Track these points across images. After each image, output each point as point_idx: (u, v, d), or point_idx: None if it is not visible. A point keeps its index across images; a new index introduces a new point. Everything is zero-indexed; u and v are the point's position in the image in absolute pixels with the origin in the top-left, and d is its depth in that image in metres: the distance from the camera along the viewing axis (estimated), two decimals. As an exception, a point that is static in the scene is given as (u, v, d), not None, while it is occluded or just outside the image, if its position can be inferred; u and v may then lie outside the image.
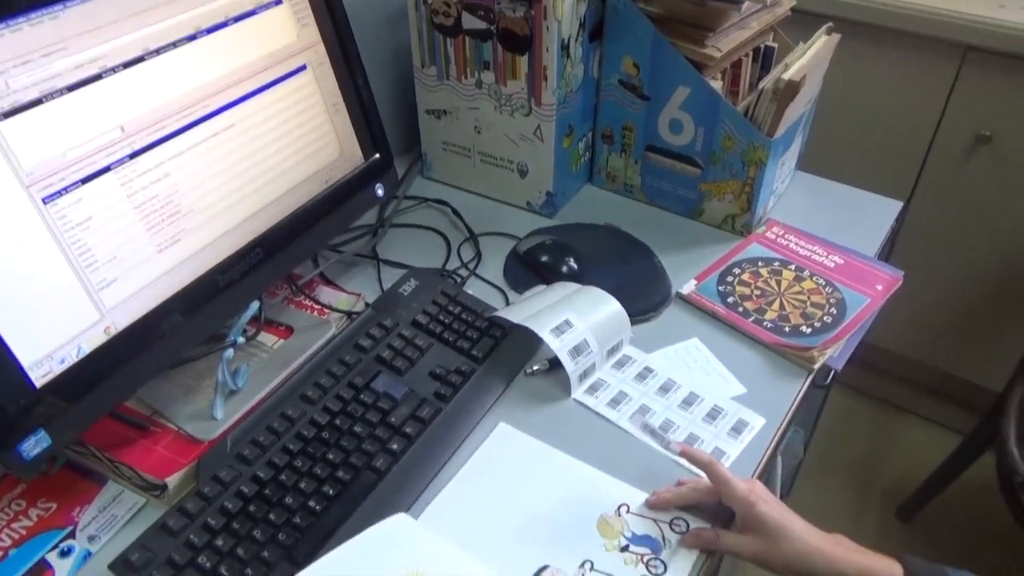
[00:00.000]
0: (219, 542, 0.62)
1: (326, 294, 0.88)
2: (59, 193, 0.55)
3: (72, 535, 0.66)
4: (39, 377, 0.56)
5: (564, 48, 0.91)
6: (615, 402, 0.79)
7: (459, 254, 0.99)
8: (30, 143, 0.53)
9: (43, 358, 0.56)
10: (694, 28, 0.91)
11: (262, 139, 0.70)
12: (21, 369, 0.54)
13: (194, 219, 0.65)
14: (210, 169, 0.65)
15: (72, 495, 0.70)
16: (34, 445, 0.56)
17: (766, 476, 1.13)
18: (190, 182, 0.64)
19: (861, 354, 1.67)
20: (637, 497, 0.69)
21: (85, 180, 0.56)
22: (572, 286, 0.88)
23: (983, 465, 1.40)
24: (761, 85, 0.91)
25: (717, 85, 0.94)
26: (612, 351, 0.83)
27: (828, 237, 0.99)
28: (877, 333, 1.64)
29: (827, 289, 0.92)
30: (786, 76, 0.87)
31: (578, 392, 0.80)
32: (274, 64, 0.70)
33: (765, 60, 1.02)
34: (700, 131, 0.96)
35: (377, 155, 0.83)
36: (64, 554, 0.65)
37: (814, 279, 0.93)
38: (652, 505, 0.68)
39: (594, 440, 0.75)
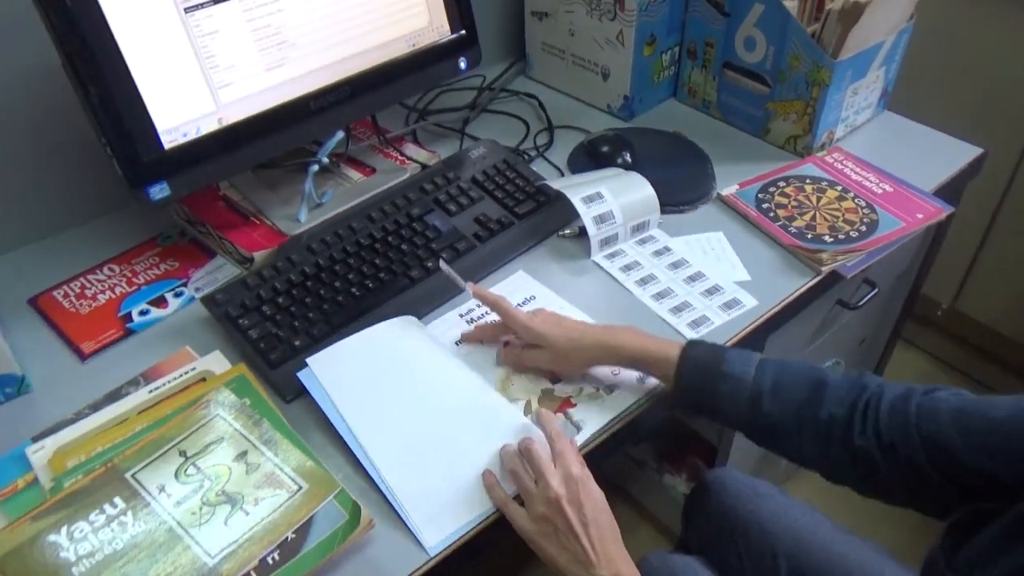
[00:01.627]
0: (279, 299, 0.81)
1: (410, 149, 1.04)
2: (197, 7, 0.74)
3: (185, 285, 0.88)
4: (167, 142, 0.76)
5: (649, -43, 1.00)
6: (627, 268, 0.90)
7: (535, 139, 1.12)
8: (181, -34, 0.72)
9: (171, 128, 0.76)
10: (775, -54, 0.97)
11: (362, -3, 0.86)
12: (156, 132, 0.75)
13: (296, 50, 0.82)
14: (315, 13, 0.83)
15: (190, 259, 0.92)
16: (158, 191, 0.76)
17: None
18: (297, 20, 0.81)
19: (947, 322, 1.62)
20: None
21: (216, 1, 0.75)
22: (617, 170, 0.99)
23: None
24: (830, 6, 0.95)
25: (792, 5, 0.99)
26: (637, 228, 0.93)
27: (893, 172, 1.02)
28: (971, 302, 1.58)
29: (865, 210, 0.96)
30: (853, -3, 0.91)
31: (597, 255, 0.91)
32: (382, -64, 0.86)
33: (855, -12, 1.05)
34: (771, 49, 1.02)
35: (463, 31, 0.97)
36: (177, 295, 0.87)
37: (855, 200, 0.97)
38: (465, 337, 0.80)
39: (602, 299, 0.86)
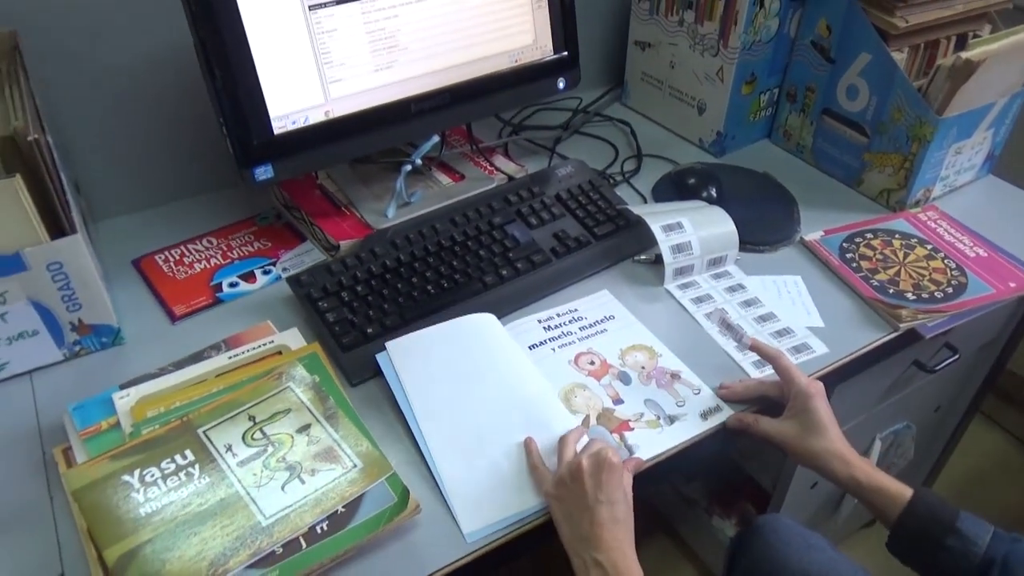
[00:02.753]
0: (358, 287, 0.85)
1: (500, 160, 1.07)
2: (320, 6, 0.79)
3: (274, 264, 0.93)
4: (277, 128, 0.81)
5: (759, -3, 1.01)
6: (699, 300, 0.90)
7: (622, 165, 1.13)
8: (311, -33, 0.78)
9: (282, 116, 0.81)
10: (889, -3, 0.96)
11: (472, 11, 0.90)
12: (268, 118, 0.80)
13: (406, 55, 0.87)
14: (427, 22, 0.87)
15: (281, 241, 0.97)
16: (263, 172, 0.81)
17: (863, 452, 1.15)
18: (411, 26, 0.86)
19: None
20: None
21: (339, 2, 0.80)
22: (701, 203, 0.99)
23: None
24: (940, 62, 0.93)
25: (900, 58, 0.97)
26: (714, 262, 0.93)
27: (990, 238, 0.98)
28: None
29: (954, 272, 0.93)
30: (965, 54, 0.89)
31: (671, 284, 0.92)
32: (498, -44, 0.90)
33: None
34: (873, 99, 1.00)
35: (565, 52, 1.00)
36: (265, 272, 0.92)
37: (945, 261, 0.95)
38: (722, 395, 0.77)
39: (671, 328, 0.86)
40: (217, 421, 0.68)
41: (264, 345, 0.79)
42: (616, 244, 0.96)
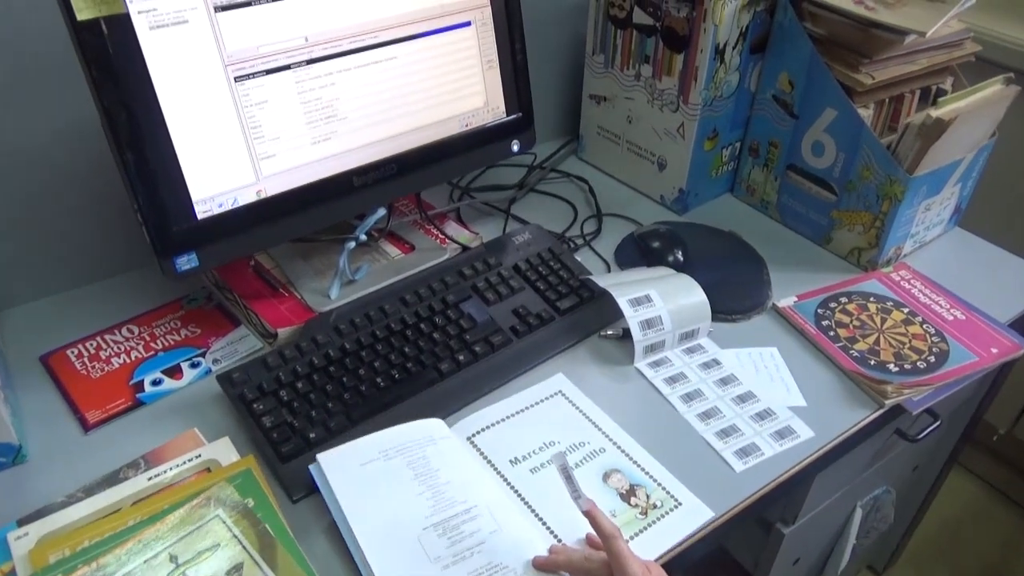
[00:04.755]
0: (299, 384, 0.76)
1: (452, 227, 1.00)
2: (248, 76, 0.71)
3: (203, 355, 0.84)
4: (201, 212, 0.72)
5: (719, 53, 0.96)
6: (672, 380, 0.83)
7: (582, 227, 1.07)
8: (235, 34, 0.70)
9: (207, 198, 0.72)
10: (853, 53, 0.92)
11: (417, 75, 0.83)
12: (190, 201, 0.71)
13: (346, 125, 0.79)
14: (368, 88, 0.79)
15: (212, 327, 0.87)
16: (186, 262, 0.72)
17: (844, 526, 1.10)
18: (350, 95, 0.78)
19: (1002, 447, 1.52)
20: None
21: (269, 72, 0.72)
22: (668, 271, 0.93)
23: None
24: (909, 119, 0.90)
25: (866, 114, 0.94)
26: (686, 336, 0.87)
27: (964, 296, 0.95)
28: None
29: (934, 338, 0.89)
30: (935, 113, 0.86)
31: (641, 362, 0.85)
32: (444, 15, 0.83)
33: (933, 100, 1.00)
34: (840, 156, 0.96)
35: (519, 114, 0.93)
36: (193, 366, 0.82)
37: (924, 326, 0.90)
38: (538, 565, 0.62)
39: (642, 411, 0.79)
40: (133, 565, 0.59)
41: (190, 461, 0.69)
42: (581, 319, 0.89)
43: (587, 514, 0.61)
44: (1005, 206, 1.28)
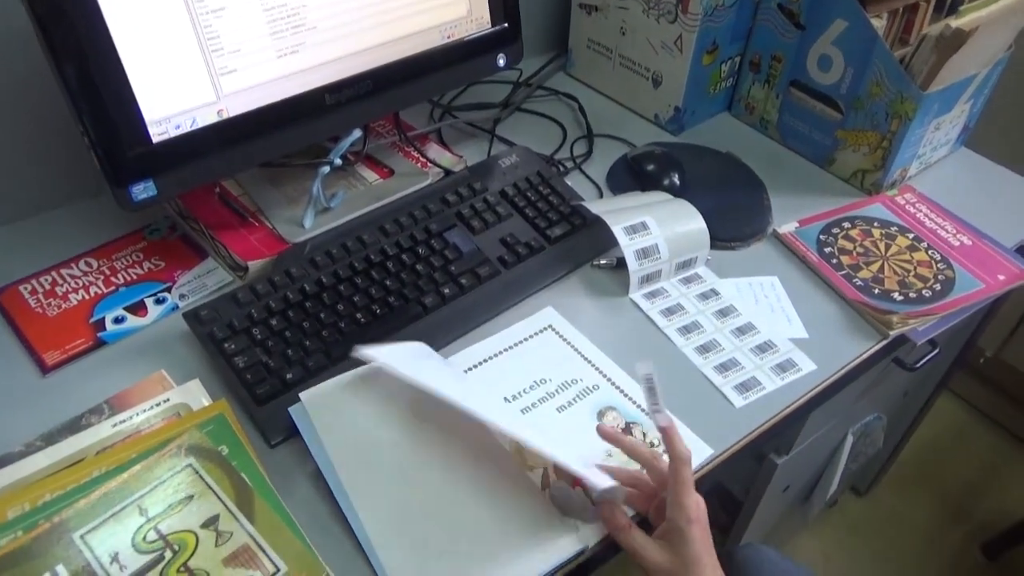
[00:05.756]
0: (273, 321, 0.71)
1: (433, 150, 0.93)
2: (201, -22, 0.63)
3: (168, 290, 0.78)
4: (156, 134, 0.65)
5: (722, -45, 0.88)
6: (669, 312, 0.79)
7: (572, 148, 1.01)
8: (186, -71, 0.61)
9: (162, 119, 0.65)
10: (868, -44, 0.85)
11: (394, -21, 0.75)
12: (143, 122, 0.64)
13: (315, 36, 0.71)
14: (339, -6, 0.71)
15: (178, 259, 0.81)
16: (142, 191, 0.66)
17: (834, 452, 1.09)
18: (318, 2, 0.70)
19: (994, 371, 1.53)
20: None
21: (225, -27, 0.64)
22: (664, 196, 0.88)
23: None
24: (925, 31, 0.83)
25: (879, 24, 0.87)
26: (683, 266, 0.83)
27: (970, 220, 0.91)
28: (1018, 352, 1.48)
29: (940, 264, 0.85)
30: (955, 23, 0.80)
31: (636, 293, 0.81)
32: (422, -89, 0.74)
33: (950, 10, 0.93)
34: (849, 71, 0.90)
35: (505, 24, 0.85)
36: (159, 302, 0.77)
37: (929, 252, 0.86)
38: (603, 433, 0.62)
39: (637, 344, 0.76)
40: (99, 520, 0.55)
41: (158, 406, 0.64)
42: (572, 247, 0.84)
43: (663, 430, 0.58)
44: (1013, 125, 1.23)
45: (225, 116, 0.69)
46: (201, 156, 0.68)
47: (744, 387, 0.72)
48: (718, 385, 0.72)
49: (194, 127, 0.67)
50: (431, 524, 0.58)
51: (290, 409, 0.64)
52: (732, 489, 1.08)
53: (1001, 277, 0.84)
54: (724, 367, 0.74)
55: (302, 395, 0.64)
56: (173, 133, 0.66)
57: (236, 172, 0.79)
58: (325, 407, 0.64)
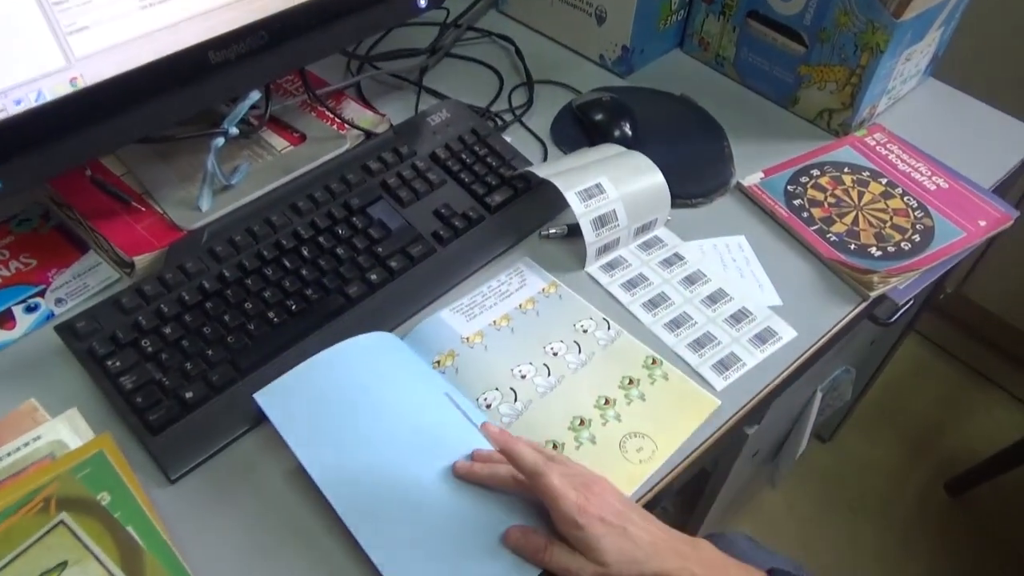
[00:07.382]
0: (166, 329, 0.59)
1: (351, 109, 0.81)
2: (24, -93, 0.49)
3: (42, 294, 0.66)
4: (-10, 112, 0.52)
5: None
6: (631, 284, 0.70)
7: (510, 98, 0.89)
8: None
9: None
10: None
11: (283, -96, 0.61)
12: (-32, 98, 0.51)
13: (188, -21, 0.58)
14: (214, -75, 0.58)
15: (53, 256, 0.69)
16: (-20, 184, 0.53)
17: (802, 411, 1.04)
18: (188, -66, 0.57)
19: (953, 306, 1.50)
20: None
21: (57, -100, 0.50)
22: (617, 148, 0.78)
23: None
24: (900, -51, 0.74)
25: (847, -57, 0.77)
26: (642, 229, 0.74)
27: (943, 159, 0.84)
28: (978, 287, 1.45)
29: (917, 212, 0.78)
30: (933, -61, 0.70)
31: (593, 266, 0.71)
32: None
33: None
34: (812, 0, 0.80)
35: (424, -43, 0.73)
36: (29, 310, 0.64)
37: (905, 199, 0.79)
38: (457, 471, 0.54)
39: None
40: (-52, 604, 0.44)
41: (26, 446, 0.53)
42: (516, 216, 0.74)
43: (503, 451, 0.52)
44: (979, 51, 1.16)
45: (81, 85, 0.55)
46: (56, 136, 0.55)
47: (723, 365, 0.64)
48: (694, 365, 0.64)
49: (41, 102, 0.54)
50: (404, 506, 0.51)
51: (254, 396, 0.56)
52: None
53: (982, 223, 0.77)
54: (699, 343, 0.66)
55: (256, 396, 0.56)
56: (13, 110, 0.53)
57: (105, 153, 0.66)
58: (280, 404, 0.56)
